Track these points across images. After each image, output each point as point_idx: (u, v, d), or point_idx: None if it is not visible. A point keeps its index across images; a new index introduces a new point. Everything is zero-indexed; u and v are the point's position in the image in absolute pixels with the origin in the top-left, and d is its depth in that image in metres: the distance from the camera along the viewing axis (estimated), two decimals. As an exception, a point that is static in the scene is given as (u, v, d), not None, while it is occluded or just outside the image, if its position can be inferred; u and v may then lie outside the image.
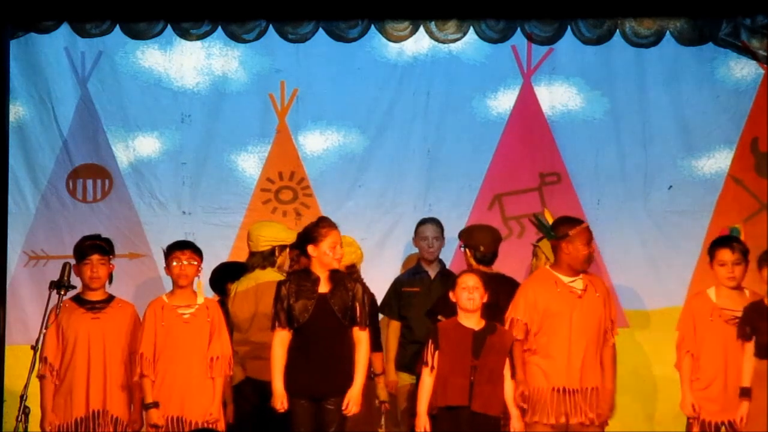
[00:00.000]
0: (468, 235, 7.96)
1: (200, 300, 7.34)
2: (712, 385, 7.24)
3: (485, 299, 7.09)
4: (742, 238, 7.39)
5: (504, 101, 9.00)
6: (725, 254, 7.29)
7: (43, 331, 6.93)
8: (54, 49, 8.96)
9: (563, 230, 7.41)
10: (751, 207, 8.87)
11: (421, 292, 8.08)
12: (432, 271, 8.27)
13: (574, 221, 7.47)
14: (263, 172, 9.02)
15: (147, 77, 9.01)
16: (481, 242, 7.84)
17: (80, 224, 8.90)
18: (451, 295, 7.13)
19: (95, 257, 7.35)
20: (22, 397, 6.65)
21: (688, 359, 7.30)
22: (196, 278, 7.37)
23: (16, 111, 8.93)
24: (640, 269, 8.77)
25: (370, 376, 7.72)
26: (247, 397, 7.45)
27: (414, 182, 9.02)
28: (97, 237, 7.53)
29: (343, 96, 9.01)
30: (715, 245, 7.38)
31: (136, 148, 9.01)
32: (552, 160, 8.99)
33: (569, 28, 8.73)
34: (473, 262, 7.84)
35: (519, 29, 8.76)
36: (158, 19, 8.74)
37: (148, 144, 9.02)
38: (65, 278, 6.97)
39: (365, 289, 7.17)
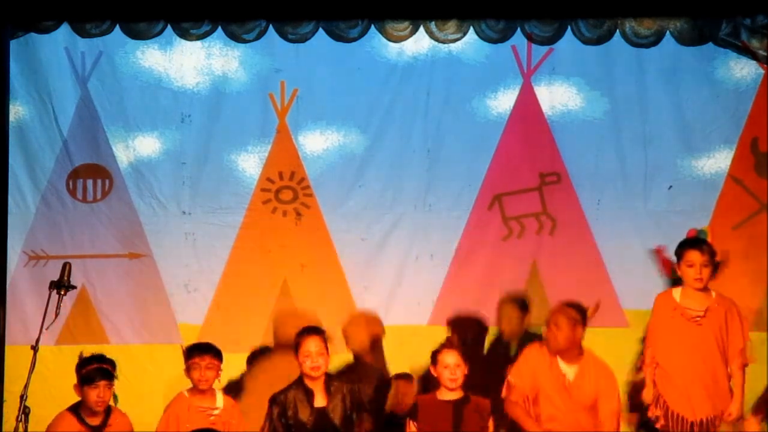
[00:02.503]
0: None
1: (219, 404, 7.46)
2: (677, 381, 7.30)
3: (466, 372, 7.25)
4: (709, 240, 7.44)
5: (504, 101, 9.00)
6: (694, 256, 7.38)
7: (44, 331, 6.95)
8: (54, 49, 8.95)
9: None
10: (751, 207, 8.88)
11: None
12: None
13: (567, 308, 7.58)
14: (263, 172, 9.02)
15: (147, 77, 9.01)
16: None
17: (80, 224, 8.93)
18: (432, 370, 7.21)
19: (103, 383, 7.39)
20: (22, 397, 6.66)
21: (649, 355, 7.38)
22: (216, 380, 7.58)
23: (16, 111, 8.93)
24: (640, 269, 8.76)
25: None
26: None
27: (414, 182, 9.01)
28: (102, 359, 7.55)
29: (343, 96, 9.00)
30: (683, 246, 7.46)
31: (136, 147, 9.01)
32: (552, 160, 8.99)
33: (569, 28, 8.73)
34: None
35: (519, 29, 8.75)
36: (158, 19, 8.74)
37: (148, 144, 9.02)
38: (65, 278, 6.98)
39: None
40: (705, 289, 7.37)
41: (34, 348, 6.81)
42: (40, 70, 8.96)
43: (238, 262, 8.87)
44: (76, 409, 7.40)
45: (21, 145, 8.95)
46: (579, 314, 7.52)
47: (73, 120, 9.00)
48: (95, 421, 7.39)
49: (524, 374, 7.46)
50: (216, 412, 7.45)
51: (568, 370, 7.44)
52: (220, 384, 7.75)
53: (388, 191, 9.00)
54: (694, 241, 7.45)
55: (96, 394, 7.31)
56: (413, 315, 8.83)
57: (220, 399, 7.54)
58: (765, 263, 8.68)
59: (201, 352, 7.49)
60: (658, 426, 7.44)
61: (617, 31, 8.71)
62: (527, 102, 8.99)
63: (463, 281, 8.85)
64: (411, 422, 7.24)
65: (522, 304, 8.57)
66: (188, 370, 7.50)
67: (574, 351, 7.48)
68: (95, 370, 7.36)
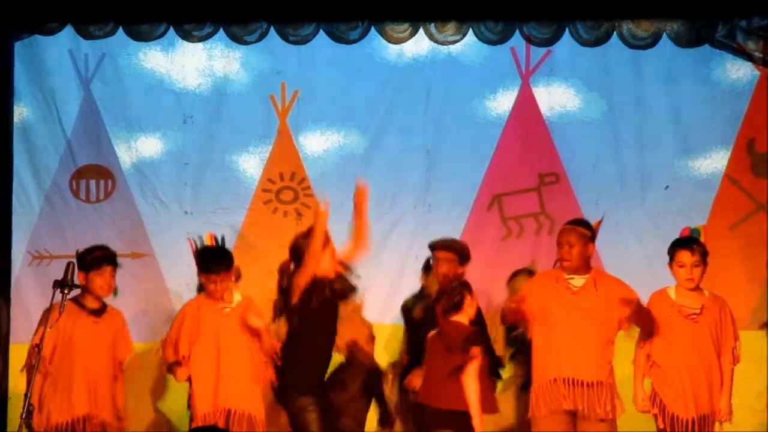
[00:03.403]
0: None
1: (238, 297, 7.58)
2: (674, 379, 7.33)
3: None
4: (702, 239, 7.46)
5: (503, 102, 9.05)
6: (685, 256, 7.35)
7: (46, 330, 7.00)
8: (58, 51, 9.01)
9: None
10: (748, 207, 8.92)
11: None
12: None
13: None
14: (264, 172, 9.07)
15: (149, 78, 9.07)
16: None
17: (83, 224, 8.98)
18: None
19: (109, 268, 7.52)
20: (26, 396, 6.70)
21: (642, 355, 7.43)
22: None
23: (21, 112, 8.98)
24: (638, 269, 8.77)
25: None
26: None
27: (414, 182, 9.06)
28: (106, 247, 7.69)
29: (343, 97, 9.05)
30: (674, 246, 7.43)
31: (138, 148, 9.07)
32: (550, 160, 9.04)
33: (567, 29, 8.76)
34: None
35: (518, 31, 8.78)
36: (160, 21, 8.78)
37: (150, 145, 9.08)
38: (69, 278, 7.01)
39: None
40: (697, 288, 7.39)
41: (38, 347, 6.86)
42: (44, 72, 9.02)
43: (239, 262, 8.91)
44: (75, 299, 7.49)
45: (25, 146, 9.01)
46: (588, 230, 7.53)
47: (77, 121, 9.06)
48: (94, 305, 7.50)
49: (533, 294, 7.44)
50: (227, 310, 7.53)
51: (576, 280, 7.43)
52: (235, 284, 7.78)
53: (388, 191, 9.05)
54: (685, 241, 7.43)
55: (102, 279, 7.44)
56: (413, 314, 8.88)
57: (237, 296, 7.61)
58: (762, 263, 8.73)
59: (217, 268, 7.49)
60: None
61: (615, 32, 8.75)
62: (526, 103, 9.04)
63: (463, 280, 8.90)
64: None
65: None
66: (202, 281, 7.56)
67: (583, 268, 7.47)
68: (102, 257, 7.48)
